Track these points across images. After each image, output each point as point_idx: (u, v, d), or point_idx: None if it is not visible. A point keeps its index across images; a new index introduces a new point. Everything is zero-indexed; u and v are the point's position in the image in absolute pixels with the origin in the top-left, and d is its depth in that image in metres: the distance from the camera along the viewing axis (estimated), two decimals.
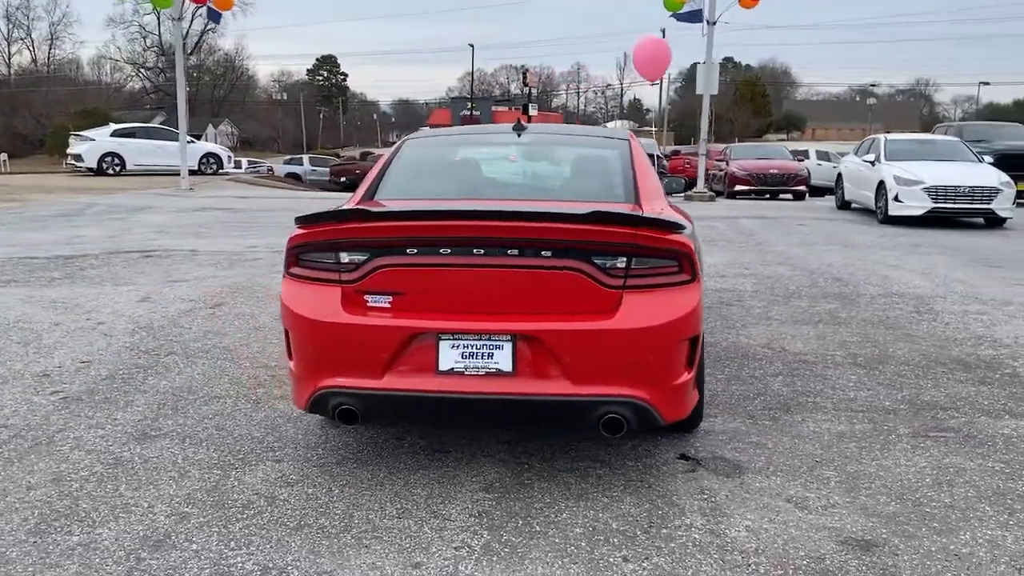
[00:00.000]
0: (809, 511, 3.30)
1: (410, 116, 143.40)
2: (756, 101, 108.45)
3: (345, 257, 3.38)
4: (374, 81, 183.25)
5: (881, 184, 13.53)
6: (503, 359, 3.24)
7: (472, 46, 63.46)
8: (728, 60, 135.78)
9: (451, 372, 3.26)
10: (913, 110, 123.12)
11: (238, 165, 30.19)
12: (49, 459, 3.79)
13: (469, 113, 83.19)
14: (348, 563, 2.90)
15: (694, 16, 18.29)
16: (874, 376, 5.06)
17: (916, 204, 12.81)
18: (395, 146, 4.53)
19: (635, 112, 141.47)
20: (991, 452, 3.90)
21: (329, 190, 29.31)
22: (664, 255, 3.32)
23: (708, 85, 17.35)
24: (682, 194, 17.97)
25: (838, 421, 4.30)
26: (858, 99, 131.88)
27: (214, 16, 18.14)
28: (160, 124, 35.51)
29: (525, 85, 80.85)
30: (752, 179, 19.27)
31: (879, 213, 13.57)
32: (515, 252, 3.25)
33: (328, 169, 34.80)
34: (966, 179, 12.83)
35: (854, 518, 3.24)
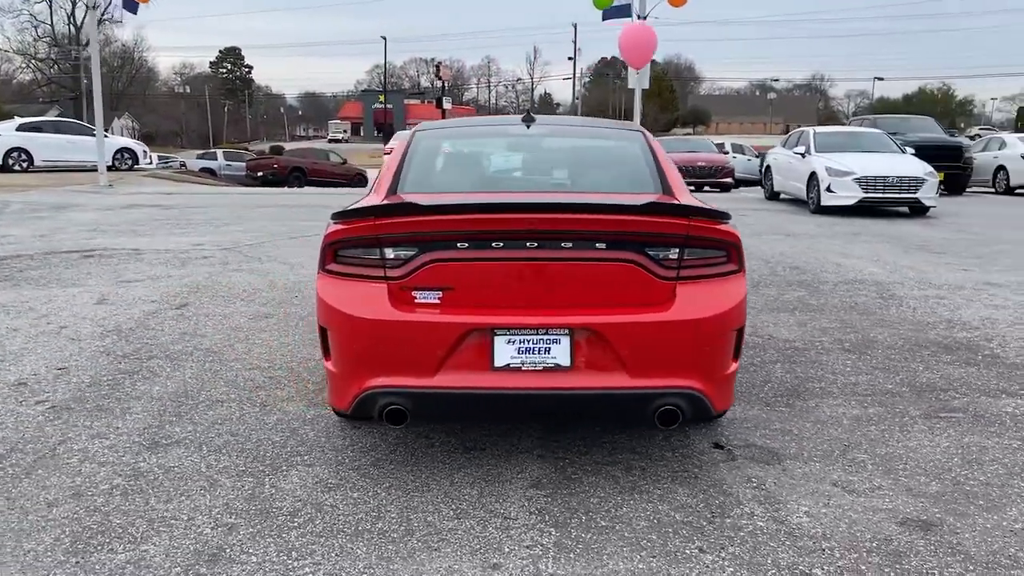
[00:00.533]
0: (858, 494, 3.37)
1: (317, 109, 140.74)
2: (664, 96, 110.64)
3: (391, 252, 3.27)
4: (279, 74, 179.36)
5: (813, 175, 13.96)
6: (560, 353, 3.20)
7: (384, 39, 62.66)
8: None
9: (507, 368, 3.20)
10: (810, 104, 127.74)
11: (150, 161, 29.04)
12: (60, 473, 3.56)
13: (383, 107, 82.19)
14: (424, 568, 2.81)
15: (622, 11, 18.48)
16: (866, 361, 5.20)
17: (847, 194, 13.26)
18: (406, 138, 4.41)
19: (546, 106, 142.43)
20: (1004, 431, 4.06)
21: (248, 185, 28.51)
22: (715, 245, 3.32)
23: (640, 79, 17.56)
24: None
25: (850, 405, 4.40)
26: (758, 94, 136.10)
27: (130, 6, 17.32)
28: (56, 117, 33.82)
29: (438, 78, 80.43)
30: (681, 171, 19.55)
31: (811, 203, 14.00)
32: (569, 244, 3.21)
33: (244, 164, 33.82)
34: (894, 170, 13.37)
35: (903, 499, 3.32)
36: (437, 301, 3.24)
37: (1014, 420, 4.19)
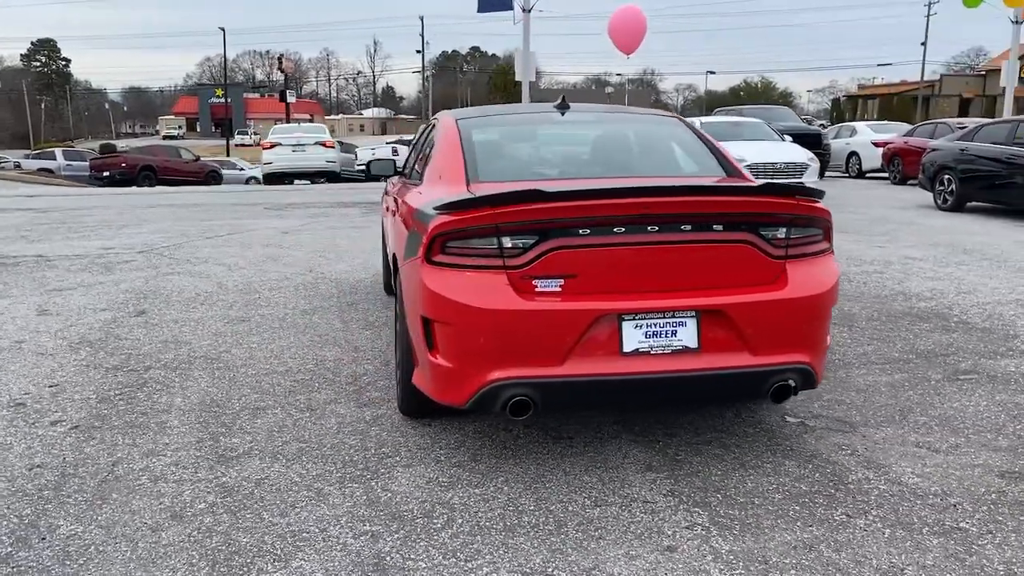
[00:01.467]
0: (944, 453, 3.60)
1: (143, 105, 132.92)
2: (509, 90, 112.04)
3: (509, 241, 3.19)
4: (101, 68, 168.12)
5: None
6: (688, 336, 3.23)
7: (223, 30, 60.03)
8: (475, 49, 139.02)
9: (636, 353, 3.20)
10: (644, 97, 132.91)
11: None
12: (140, 496, 3.26)
13: (223, 101, 78.62)
14: (604, 555, 2.78)
15: (503, 4, 18.59)
16: (860, 332, 5.53)
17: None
18: (450, 129, 4.28)
19: (389, 100, 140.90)
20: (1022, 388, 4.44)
21: (94, 185, 26.66)
22: (814, 224, 3.45)
23: (527, 72, 17.75)
24: None
25: (876, 374, 4.67)
26: (594, 88, 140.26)
27: None
28: None
29: (281, 71, 77.84)
30: None
31: None
32: (688, 227, 3.24)
33: (88, 163, 31.58)
34: (781, 156, 14.17)
35: (987, 455, 3.57)
36: (559, 289, 3.20)
37: None
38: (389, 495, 3.24)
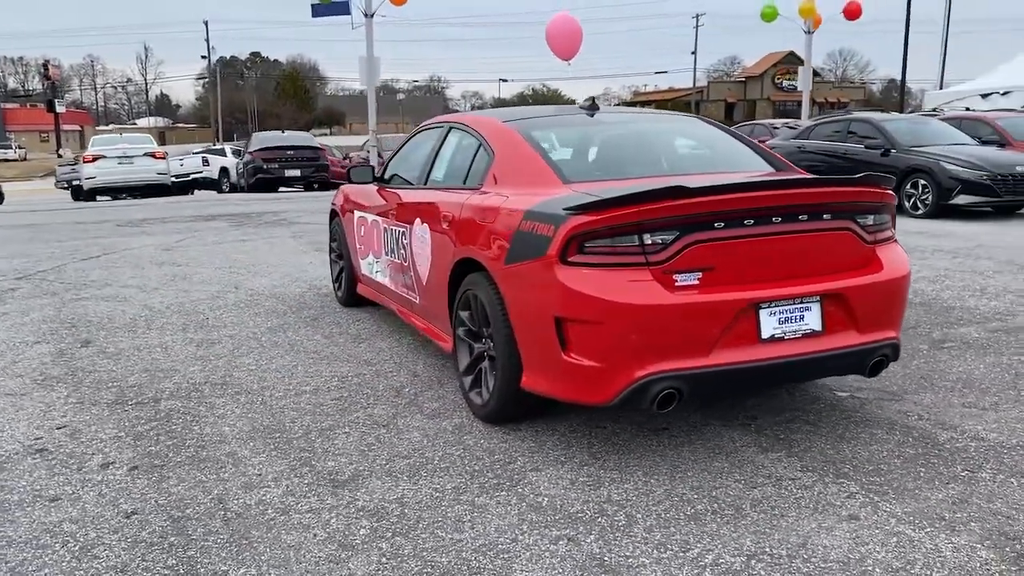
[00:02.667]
0: (995, 410, 4.04)
1: None
2: (299, 96, 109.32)
3: (650, 238, 3.26)
4: None
5: None
6: (813, 319, 3.44)
7: None
8: (256, 55, 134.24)
9: (772, 339, 3.37)
10: (434, 104, 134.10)
11: None
12: (287, 531, 3.03)
13: None
14: (802, 530, 2.92)
15: (340, 8, 18.25)
16: None
17: None
18: (508, 133, 4.24)
19: (165, 108, 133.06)
20: (1005, 349, 5.04)
21: None
22: (888, 210, 3.78)
23: (371, 78, 17.51)
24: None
25: None
26: (383, 94, 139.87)
27: None
28: None
29: (47, 79, 71.57)
30: None
31: None
32: (805, 217, 3.45)
33: None
34: None
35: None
36: (697, 282, 3.30)
37: (999, 343, 5.20)
38: (547, 499, 3.21)
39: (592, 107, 4.64)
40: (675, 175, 3.96)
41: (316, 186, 20.67)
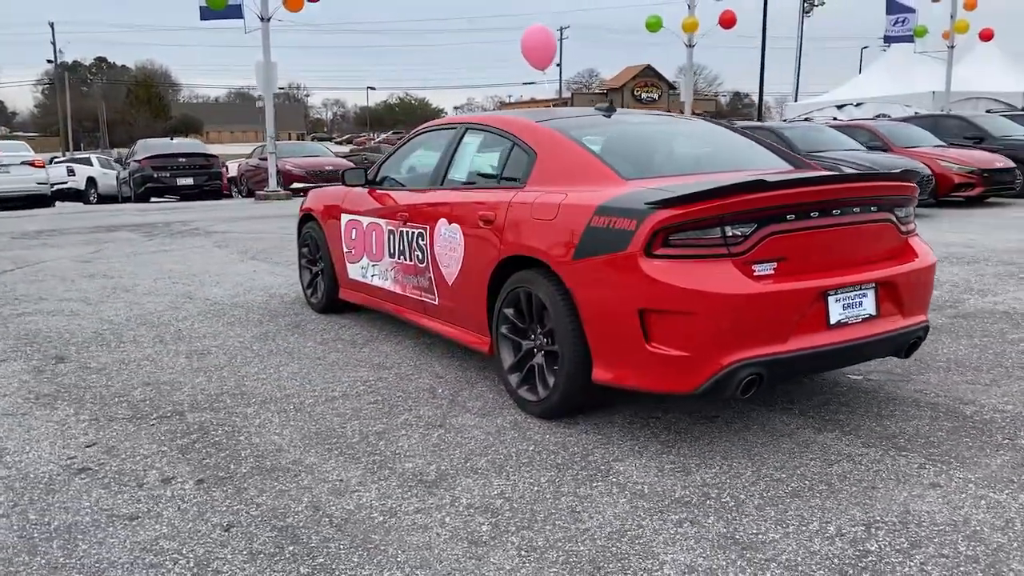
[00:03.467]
0: (998, 385, 4.41)
1: None
2: (154, 103, 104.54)
3: (730, 230, 3.41)
4: None
5: None
6: (869, 305, 3.68)
7: None
8: (102, 60, 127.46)
9: (838, 324, 3.59)
10: (295, 112, 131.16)
11: None
12: (408, 533, 2.99)
13: None
14: (898, 500, 3.12)
15: (232, 11, 17.70)
16: None
17: None
18: (552, 134, 4.29)
19: None
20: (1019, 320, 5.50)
21: None
22: (913, 204, 4.08)
23: (268, 84, 17.04)
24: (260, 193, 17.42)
25: None
26: (239, 102, 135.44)
27: None
28: None
29: None
30: (311, 176, 19.43)
31: None
32: (857, 210, 3.70)
33: None
34: None
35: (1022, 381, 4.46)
36: (772, 272, 3.47)
37: (963, 327, 5.67)
38: (647, 486, 3.29)
39: (609, 109, 4.76)
40: (715, 172, 4.12)
41: (206, 194, 19.87)
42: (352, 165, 20.03)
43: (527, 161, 4.27)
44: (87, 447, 3.80)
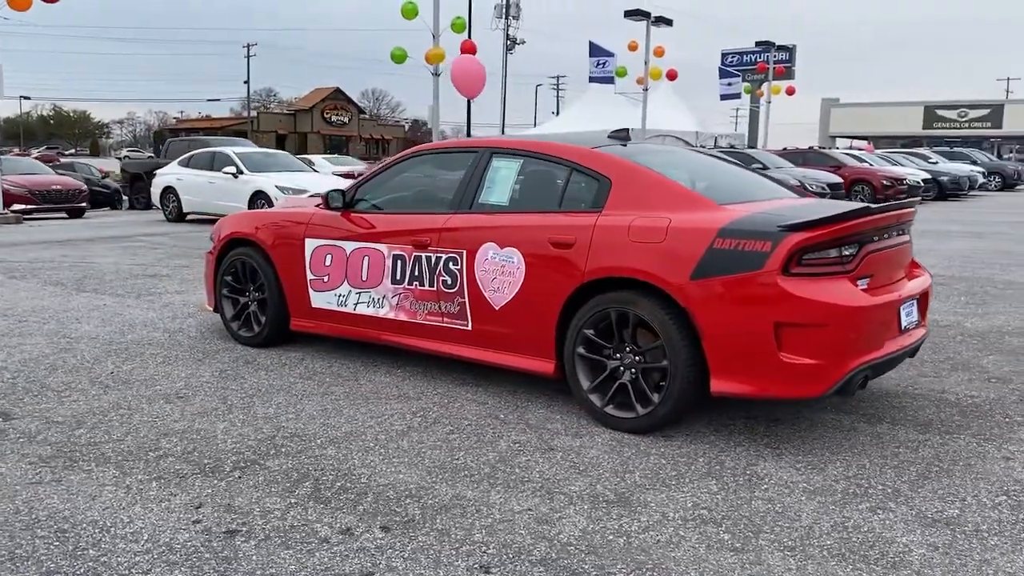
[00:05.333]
0: (947, 379, 5.35)
1: None
2: None
3: (844, 251, 3.88)
4: None
5: (259, 194, 14.45)
6: (915, 312, 4.34)
7: None
8: None
9: (904, 330, 4.21)
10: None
11: None
12: (666, 548, 3.06)
13: None
14: (993, 470, 3.77)
15: None
16: None
17: None
18: (624, 161, 4.45)
19: None
20: None
21: None
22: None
23: None
24: None
25: None
26: None
27: None
28: None
29: None
30: (35, 196, 17.08)
31: None
32: (898, 232, 4.35)
33: None
34: (331, 185, 14.90)
35: (981, 382, 5.43)
36: (867, 287, 4.00)
37: None
38: (802, 485, 3.62)
39: (625, 138, 5.05)
40: (766, 200, 4.53)
41: None
42: (83, 186, 18.01)
43: (599, 187, 4.40)
44: (196, 507, 3.31)
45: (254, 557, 2.92)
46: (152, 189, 16.79)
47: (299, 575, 2.81)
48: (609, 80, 33.03)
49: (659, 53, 32.58)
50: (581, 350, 4.30)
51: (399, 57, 23.01)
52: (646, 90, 32.71)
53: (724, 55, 44.81)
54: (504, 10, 45.37)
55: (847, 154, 26.26)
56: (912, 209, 4.34)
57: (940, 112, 49.79)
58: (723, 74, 39.39)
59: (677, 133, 38.66)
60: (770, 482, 3.61)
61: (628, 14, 31.16)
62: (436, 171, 5.19)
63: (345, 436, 4.14)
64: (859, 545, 3.06)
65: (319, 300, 5.50)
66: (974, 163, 32.92)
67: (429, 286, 4.89)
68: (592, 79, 33.44)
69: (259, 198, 14.43)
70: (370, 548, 2.99)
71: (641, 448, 3.99)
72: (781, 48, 42.06)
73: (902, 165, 26.55)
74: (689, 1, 33.57)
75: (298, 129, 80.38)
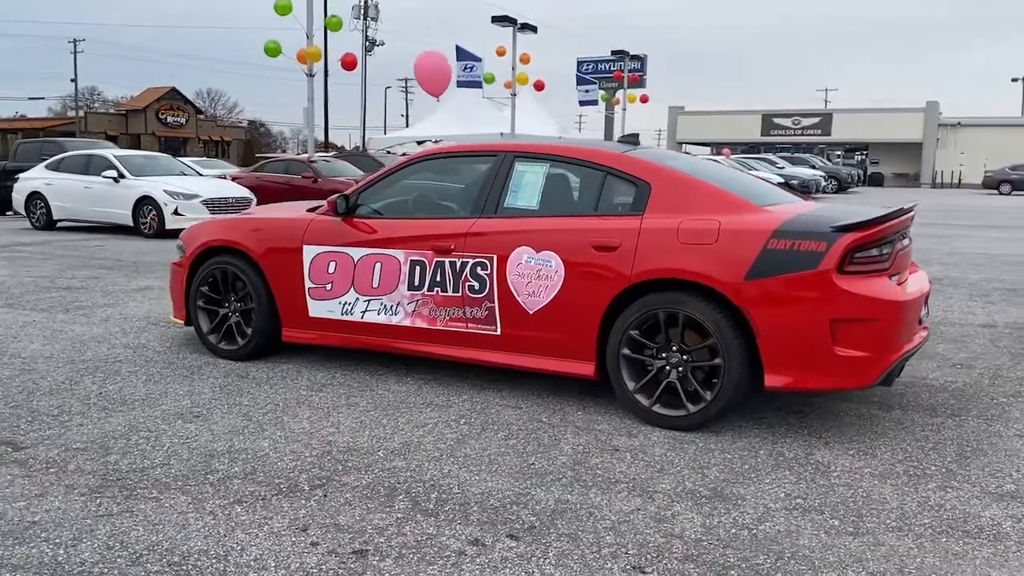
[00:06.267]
0: (921, 366, 5.79)
1: None
2: None
3: (884, 249, 4.16)
4: None
5: (146, 199, 13.67)
6: (924, 309, 4.69)
7: None
8: None
9: (920, 322, 4.55)
10: None
11: None
12: (789, 539, 3.21)
13: None
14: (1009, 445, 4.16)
15: None
16: None
17: (197, 216, 13.63)
18: (662, 166, 4.54)
19: None
20: None
21: None
22: None
23: None
24: None
25: None
26: None
27: None
28: None
29: None
30: None
31: (146, 227, 13.71)
32: (906, 233, 4.70)
33: None
34: (227, 191, 14.33)
35: (947, 369, 5.90)
36: (898, 283, 4.31)
37: None
38: (868, 470, 3.87)
39: (635, 143, 5.17)
40: (781, 203, 4.77)
41: None
42: None
43: (637, 192, 4.49)
44: (302, 530, 3.16)
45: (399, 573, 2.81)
46: (14, 195, 15.46)
47: None
48: (477, 84, 33.25)
49: (525, 59, 33.11)
50: (626, 351, 4.38)
51: (273, 51, 22.35)
52: (514, 95, 33.18)
53: (580, 63, 46.00)
54: (363, 11, 44.74)
55: (709, 160, 27.70)
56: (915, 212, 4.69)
57: (777, 120, 53.26)
58: (580, 81, 40.57)
59: (544, 138, 39.47)
60: (838, 469, 3.81)
61: (496, 19, 31.47)
62: (448, 176, 5.12)
63: (403, 447, 4.03)
64: (954, 522, 3.29)
65: (319, 309, 5.30)
66: (813, 167, 35.48)
67: (453, 292, 4.82)
68: (460, 83, 33.54)
69: (145, 204, 13.64)
70: (512, 558, 2.95)
71: (700, 445, 4.11)
72: (634, 57, 43.75)
73: (757, 170, 28.28)
74: (548, 11, 34.34)
75: (130, 130, 75.87)
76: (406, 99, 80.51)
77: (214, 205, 13.69)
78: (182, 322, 5.91)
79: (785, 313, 4.05)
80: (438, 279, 4.86)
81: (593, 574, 2.86)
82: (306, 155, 20.85)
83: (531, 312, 4.61)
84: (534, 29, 32.90)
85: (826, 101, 71.43)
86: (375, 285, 5.08)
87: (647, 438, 4.19)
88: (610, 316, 4.43)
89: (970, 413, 4.66)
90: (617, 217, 4.49)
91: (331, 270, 5.21)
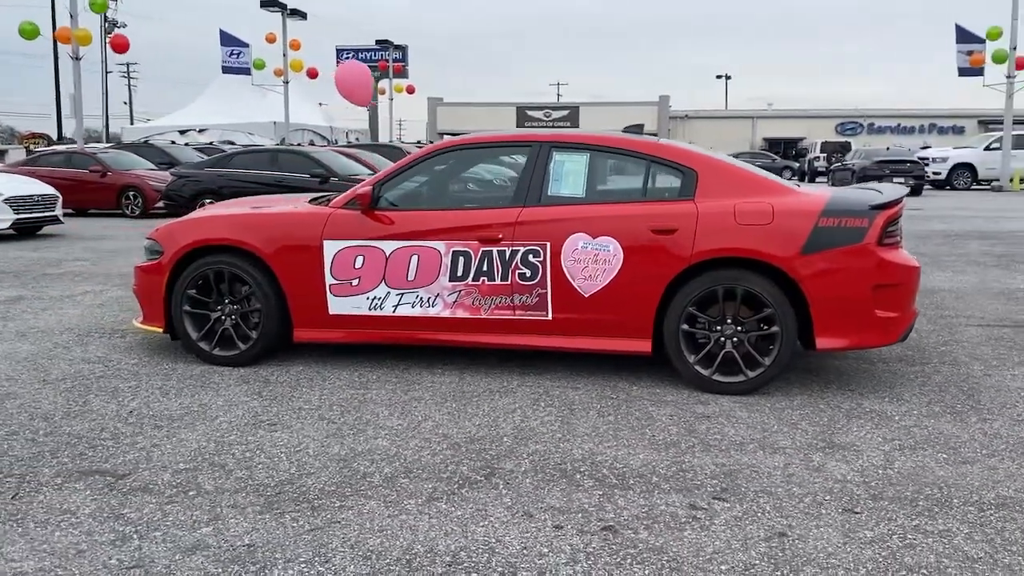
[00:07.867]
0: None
1: None
2: None
3: (897, 225, 4.87)
4: None
5: None
6: None
7: None
8: None
9: None
10: None
11: None
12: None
13: None
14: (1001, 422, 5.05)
15: None
16: None
17: (5, 218, 12.19)
18: (705, 154, 4.87)
19: None
20: None
21: None
22: None
23: None
24: None
25: None
26: None
27: None
28: None
29: None
30: None
31: None
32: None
33: None
34: (31, 189, 12.89)
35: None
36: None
37: None
38: (929, 429, 4.55)
39: (640, 132, 5.52)
40: (798, 187, 5.33)
41: None
42: None
43: (684, 178, 4.84)
44: (527, 517, 3.23)
45: (673, 546, 2.99)
46: None
47: (733, 551, 2.96)
48: (245, 71, 31.79)
49: (295, 46, 32.16)
50: (686, 326, 4.73)
51: (30, 32, 20.12)
52: (287, 83, 32.12)
53: (340, 51, 45.31)
54: None
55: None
56: None
57: (530, 112, 55.72)
58: None
59: (312, 127, 38.58)
60: (905, 420, 4.37)
61: (264, 5, 30.26)
62: (476, 166, 5.15)
63: (517, 431, 4.12)
64: (1020, 443, 3.99)
65: (342, 306, 5.14)
66: None
67: (502, 280, 4.91)
68: (226, 69, 31.90)
69: None
70: (739, 515, 3.21)
71: (768, 408, 4.54)
72: (397, 47, 43.86)
73: None
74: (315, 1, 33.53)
75: None
76: (129, 86, 73.88)
77: (18, 204, 12.24)
78: (159, 330, 5.43)
79: (835, 282, 4.59)
80: (484, 268, 4.91)
81: (822, 520, 3.18)
82: (90, 147, 19.02)
83: (586, 295, 4.82)
84: (304, 16, 31.99)
85: (559, 95, 75.64)
86: (411, 278, 5.02)
87: (719, 405, 4.56)
88: (667, 295, 4.75)
89: (965, 363, 5.50)
90: (669, 203, 4.81)
91: (358, 265, 5.07)
